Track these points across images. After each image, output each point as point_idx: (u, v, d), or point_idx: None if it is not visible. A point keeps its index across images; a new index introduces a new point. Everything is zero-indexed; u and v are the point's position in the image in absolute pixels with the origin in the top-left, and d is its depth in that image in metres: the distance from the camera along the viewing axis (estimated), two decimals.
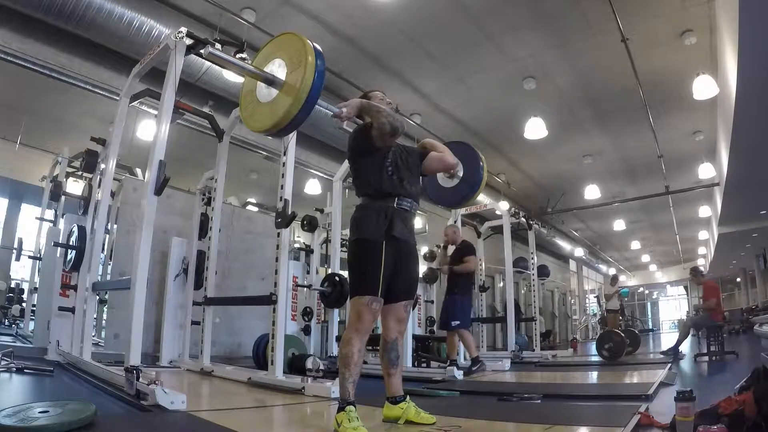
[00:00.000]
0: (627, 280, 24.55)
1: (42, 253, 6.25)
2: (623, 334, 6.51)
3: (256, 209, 10.11)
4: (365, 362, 2.44)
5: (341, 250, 5.45)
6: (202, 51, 3.00)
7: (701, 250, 18.85)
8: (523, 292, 11.97)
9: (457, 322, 4.96)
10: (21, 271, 9.13)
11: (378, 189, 2.35)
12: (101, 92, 5.58)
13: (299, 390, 3.19)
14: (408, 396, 2.35)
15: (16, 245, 7.69)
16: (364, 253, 2.28)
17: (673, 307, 27.33)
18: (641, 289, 27.16)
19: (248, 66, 2.77)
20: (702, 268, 7.27)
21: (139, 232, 2.93)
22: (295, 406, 2.90)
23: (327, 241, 6.54)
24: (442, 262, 5.65)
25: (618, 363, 5.90)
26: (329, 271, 5.71)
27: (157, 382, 2.49)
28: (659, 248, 19.68)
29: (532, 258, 8.01)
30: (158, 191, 2.91)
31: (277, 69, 2.51)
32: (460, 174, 3.07)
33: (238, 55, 4.47)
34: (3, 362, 3.45)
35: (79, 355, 3.68)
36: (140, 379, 2.56)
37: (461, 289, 5.20)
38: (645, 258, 22.18)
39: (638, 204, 12.04)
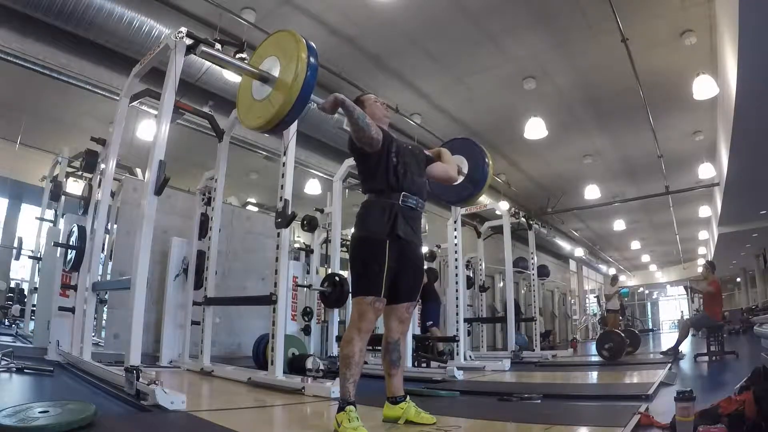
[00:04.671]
0: (627, 280, 24.57)
1: (42, 253, 6.25)
2: (623, 334, 6.51)
3: (256, 209, 10.12)
4: (365, 362, 2.43)
5: (341, 250, 5.46)
6: (196, 51, 3.01)
7: (701, 250, 18.86)
8: (523, 292, 11.97)
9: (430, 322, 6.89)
10: (21, 271, 9.14)
11: (382, 183, 2.32)
12: (101, 92, 5.58)
13: (299, 390, 3.19)
14: (408, 396, 2.35)
15: (16, 244, 7.70)
16: (367, 251, 2.26)
17: (673, 307, 27.34)
18: (641, 289, 27.17)
19: (242, 64, 2.78)
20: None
21: (139, 232, 2.92)
22: (295, 406, 2.90)
23: (327, 241, 6.54)
24: None
25: (618, 363, 5.90)
26: (329, 271, 5.72)
27: (157, 382, 2.49)
28: (659, 248, 19.68)
29: (532, 258, 8.01)
30: (158, 191, 2.91)
31: (272, 66, 2.51)
32: (465, 171, 3.06)
33: (237, 55, 4.49)
34: (3, 362, 3.46)
35: (79, 355, 3.68)
36: (140, 379, 2.56)
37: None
38: (645, 258, 22.19)
39: (638, 204, 12.04)
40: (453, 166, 2.71)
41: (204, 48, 3.00)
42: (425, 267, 6.13)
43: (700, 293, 6.79)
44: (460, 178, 2.99)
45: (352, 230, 2.38)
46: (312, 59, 2.33)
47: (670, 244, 17.67)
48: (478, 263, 8.61)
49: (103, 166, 4.46)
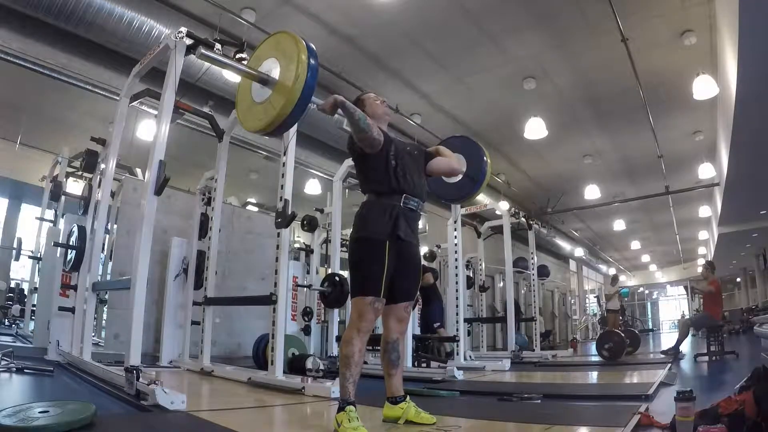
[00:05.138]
0: (627, 280, 24.56)
1: (42, 253, 6.25)
2: (623, 334, 6.52)
3: (256, 209, 10.11)
4: (365, 362, 2.43)
5: (341, 250, 5.46)
6: (195, 52, 3.01)
7: (701, 250, 18.86)
8: (523, 292, 11.96)
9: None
10: (21, 271, 9.14)
11: (383, 185, 2.33)
12: (101, 92, 5.58)
13: (299, 390, 3.19)
14: (408, 396, 2.35)
15: (15, 245, 7.69)
16: (368, 252, 2.26)
17: (673, 307, 27.34)
18: (641, 289, 27.16)
19: (241, 66, 2.77)
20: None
21: (139, 232, 2.92)
22: (295, 406, 2.90)
23: (327, 241, 6.54)
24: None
25: (618, 363, 5.90)
26: (329, 271, 5.71)
27: (157, 382, 2.49)
28: (659, 248, 19.68)
29: (532, 258, 8.01)
30: (158, 191, 2.91)
31: (271, 68, 2.50)
32: (464, 169, 3.07)
33: (238, 55, 4.48)
34: (3, 362, 3.45)
35: (79, 355, 3.68)
36: (140, 379, 2.56)
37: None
38: (645, 258, 22.18)
39: (638, 204, 12.03)
40: (454, 159, 2.69)
41: (203, 50, 3.00)
42: (430, 268, 6.21)
43: (702, 293, 6.81)
44: (459, 177, 3.01)
45: (351, 230, 2.38)
46: (312, 61, 2.32)
47: (670, 244, 17.67)
48: (478, 263, 8.61)
49: (103, 166, 4.46)
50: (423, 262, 7.70)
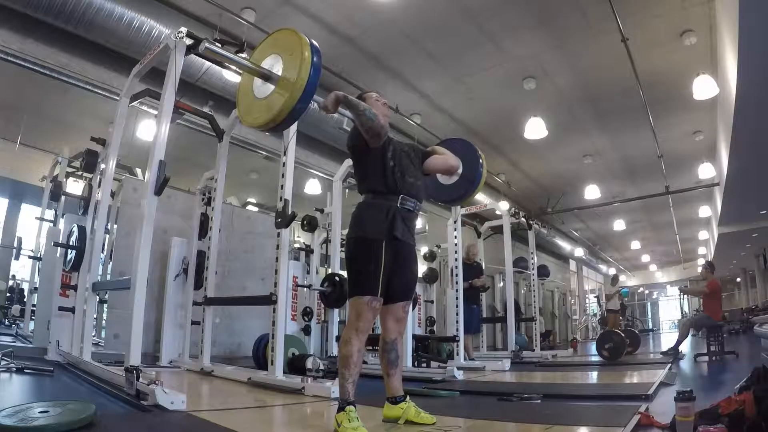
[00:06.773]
0: (627, 280, 24.56)
1: (42, 253, 6.25)
2: (623, 334, 6.51)
3: (256, 209, 10.11)
4: (365, 362, 2.44)
5: (341, 250, 5.46)
6: (199, 48, 3.01)
7: (701, 250, 18.87)
8: (523, 292, 11.97)
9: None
10: (21, 271, 9.14)
11: (381, 185, 2.33)
12: (101, 92, 5.58)
13: (299, 390, 3.19)
14: (408, 396, 2.36)
15: (15, 245, 7.69)
16: (365, 252, 2.27)
17: (673, 307, 27.34)
18: (641, 289, 27.17)
19: (244, 61, 2.77)
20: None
21: (139, 232, 2.92)
22: (295, 406, 2.90)
23: (327, 241, 6.53)
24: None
25: (618, 363, 5.90)
26: (329, 271, 5.71)
27: (157, 382, 2.49)
28: (659, 248, 19.69)
29: (532, 258, 8.01)
30: (158, 191, 2.91)
31: (274, 64, 2.50)
32: (460, 171, 3.07)
33: (238, 55, 4.48)
34: (3, 362, 3.46)
35: (79, 355, 3.68)
36: (140, 379, 2.56)
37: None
38: (645, 258, 22.19)
39: (638, 204, 12.04)
40: (450, 156, 2.68)
41: (207, 45, 3.00)
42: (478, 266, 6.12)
43: (696, 294, 6.84)
44: (455, 178, 3.01)
45: (348, 231, 2.38)
46: (315, 58, 2.33)
47: (670, 244, 17.67)
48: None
49: (103, 166, 4.46)
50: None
